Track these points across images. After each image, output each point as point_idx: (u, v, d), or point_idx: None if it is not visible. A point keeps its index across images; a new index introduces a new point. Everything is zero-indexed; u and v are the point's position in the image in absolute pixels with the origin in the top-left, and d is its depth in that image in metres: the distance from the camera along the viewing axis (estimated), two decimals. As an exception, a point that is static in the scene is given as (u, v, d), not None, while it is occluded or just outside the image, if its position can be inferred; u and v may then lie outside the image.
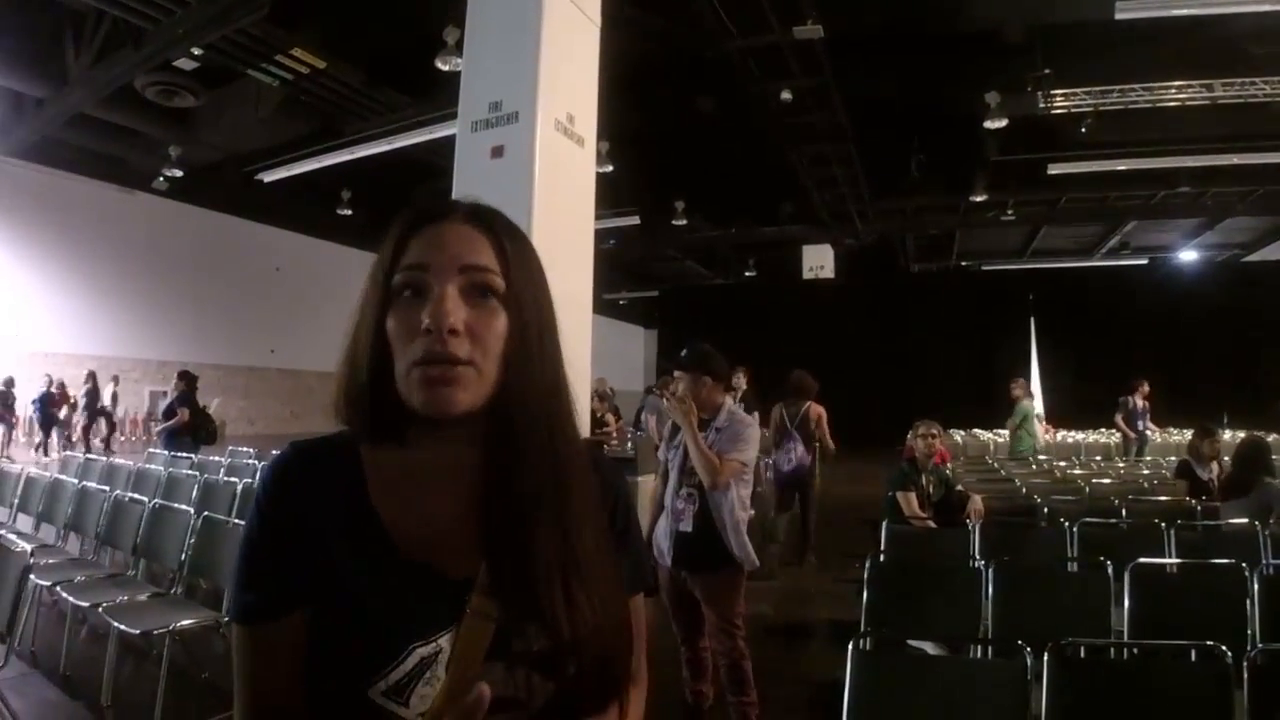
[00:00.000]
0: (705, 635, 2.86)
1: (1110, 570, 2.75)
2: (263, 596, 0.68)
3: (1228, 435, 8.49)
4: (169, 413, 7.25)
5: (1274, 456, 4.46)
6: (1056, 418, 16.57)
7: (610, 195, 12.21)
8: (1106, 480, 6.18)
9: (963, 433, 12.55)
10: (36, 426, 12.85)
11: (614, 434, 8.29)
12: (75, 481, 4.74)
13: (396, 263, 0.70)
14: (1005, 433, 9.01)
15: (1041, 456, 8.43)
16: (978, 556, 3.37)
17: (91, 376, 13.24)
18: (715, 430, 2.82)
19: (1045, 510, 4.38)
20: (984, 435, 12.15)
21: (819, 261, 19.30)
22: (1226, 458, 5.18)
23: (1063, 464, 7.85)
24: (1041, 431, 9.91)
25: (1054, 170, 12.84)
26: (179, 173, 13.69)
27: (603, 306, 21.68)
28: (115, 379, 14.63)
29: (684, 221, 15.99)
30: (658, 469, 3.13)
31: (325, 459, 0.73)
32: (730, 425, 2.83)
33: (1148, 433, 9.78)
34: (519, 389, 0.70)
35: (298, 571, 0.67)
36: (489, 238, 0.71)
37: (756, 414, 7.09)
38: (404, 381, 0.67)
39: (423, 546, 0.68)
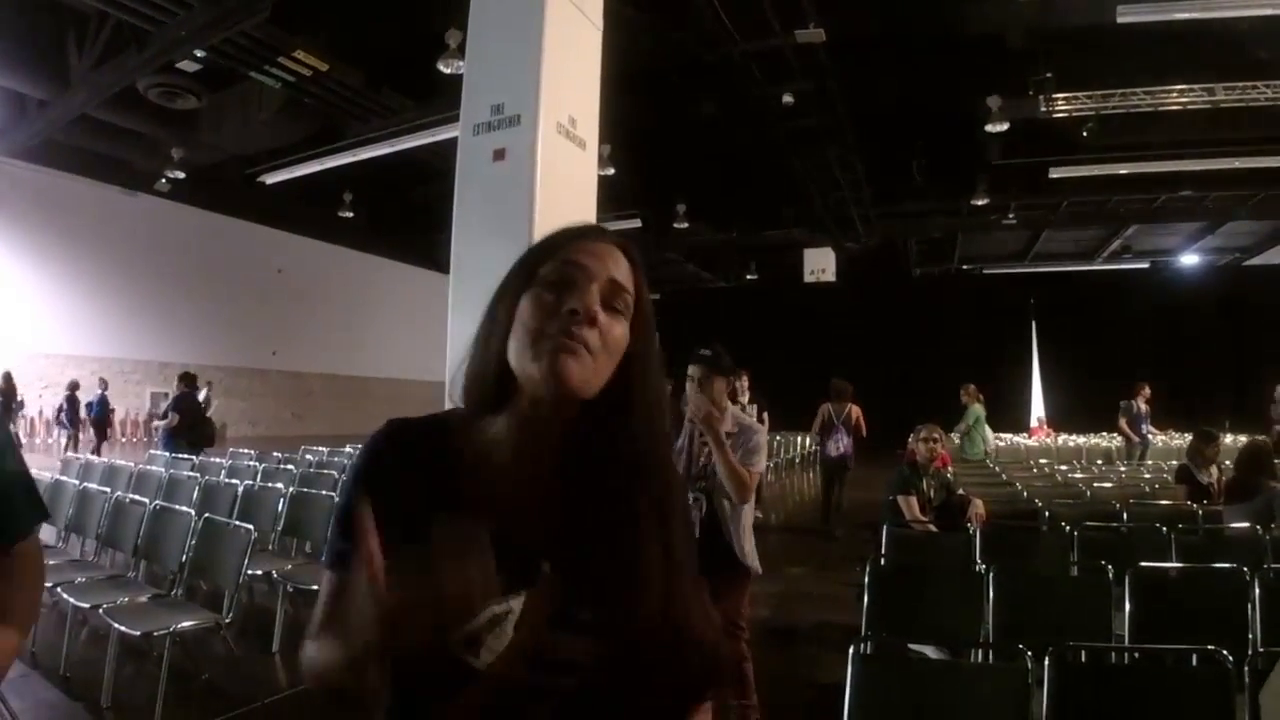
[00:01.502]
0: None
1: (1111, 574, 2.75)
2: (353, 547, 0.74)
3: (1228, 439, 8.48)
4: (166, 414, 7.44)
5: (1277, 460, 4.46)
6: (1057, 421, 16.60)
7: (612, 198, 12.22)
8: (1108, 484, 6.19)
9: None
10: (90, 429, 12.55)
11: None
12: (76, 483, 4.75)
13: (549, 256, 0.79)
14: (976, 434, 8.95)
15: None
16: (979, 560, 3.36)
17: (6, 378, 11.71)
18: (725, 436, 2.79)
19: (1046, 514, 4.37)
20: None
21: (820, 265, 19.29)
22: (1228, 462, 5.18)
23: (1064, 468, 7.86)
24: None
25: (1055, 174, 12.84)
26: (181, 174, 13.71)
27: (604, 309, 21.59)
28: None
29: (685, 225, 15.98)
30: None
31: (417, 434, 0.82)
32: (742, 433, 2.77)
33: (1149, 436, 9.78)
34: (626, 389, 0.78)
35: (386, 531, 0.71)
36: (631, 267, 0.81)
37: (767, 415, 7.48)
38: (524, 356, 0.74)
39: (502, 514, 0.73)
